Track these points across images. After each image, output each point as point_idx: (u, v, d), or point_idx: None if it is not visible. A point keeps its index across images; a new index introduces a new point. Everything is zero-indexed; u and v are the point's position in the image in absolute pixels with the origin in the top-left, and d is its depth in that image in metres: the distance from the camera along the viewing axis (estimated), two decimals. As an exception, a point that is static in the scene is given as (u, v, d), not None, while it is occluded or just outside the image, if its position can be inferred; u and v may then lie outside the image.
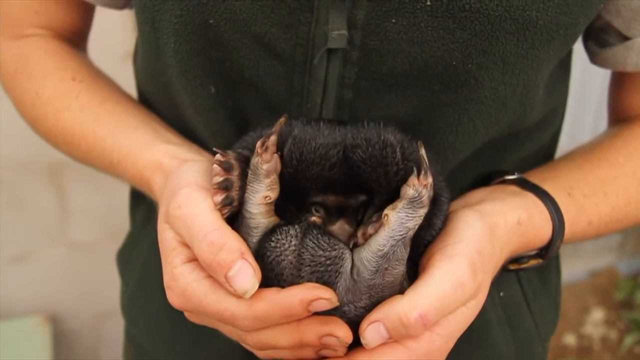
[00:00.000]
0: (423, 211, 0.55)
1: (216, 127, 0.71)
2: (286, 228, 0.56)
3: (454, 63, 0.63)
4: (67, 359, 1.98)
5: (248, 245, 0.56)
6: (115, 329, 0.95)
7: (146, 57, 0.76)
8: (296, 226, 0.56)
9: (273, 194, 0.57)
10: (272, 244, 0.56)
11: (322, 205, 0.58)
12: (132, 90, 0.87)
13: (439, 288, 0.55)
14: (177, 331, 0.83)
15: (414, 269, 0.59)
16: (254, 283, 0.53)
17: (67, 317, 1.97)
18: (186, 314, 0.62)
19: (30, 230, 1.84)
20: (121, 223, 0.97)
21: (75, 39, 0.86)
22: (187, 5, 0.64)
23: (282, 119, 0.56)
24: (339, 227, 0.58)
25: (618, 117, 0.85)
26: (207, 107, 0.70)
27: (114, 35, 1.42)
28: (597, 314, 2.52)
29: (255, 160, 0.56)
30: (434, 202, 0.59)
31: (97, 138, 0.75)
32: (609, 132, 0.84)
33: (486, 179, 0.76)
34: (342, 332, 0.55)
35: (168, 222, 0.59)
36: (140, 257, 0.90)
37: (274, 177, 0.56)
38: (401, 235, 0.54)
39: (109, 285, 0.97)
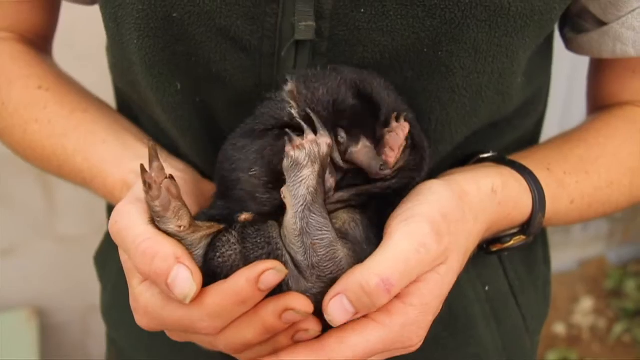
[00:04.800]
0: (308, 171, 0.54)
1: (184, 125, 0.70)
2: (225, 238, 0.56)
3: (425, 50, 0.62)
4: (54, 352, 1.97)
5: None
6: (102, 322, 0.95)
7: (114, 54, 0.75)
8: (232, 232, 0.56)
9: (184, 221, 0.55)
10: (220, 260, 0.55)
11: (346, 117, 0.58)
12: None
13: (399, 250, 0.52)
14: (156, 336, 0.80)
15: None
16: (192, 286, 0.51)
17: (55, 311, 1.96)
18: (167, 333, 0.60)
19: (17, 224, 1.82)
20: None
21: (40, 41, 0.84)
22: None
23: (151, 145, 0.56)
24: (363, 146, 0.56)
25: (597, 106, 0.83)
26: (174, 105, 0.69)
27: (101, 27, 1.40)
28: (587, 303, 2.53)
29: (146, 198, 0.55)
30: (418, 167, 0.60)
31: (67, 154, 0.73)
32: (588, 118, 0.83)
33: (463, 163, 0.73)
34: (299, 302, 0.52)
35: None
36: (116, 260, 0.87)
37: (176, 203, 0.55)
38: (300, 204, 0.54)
39: (96, 279, 0.96)
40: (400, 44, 0.61)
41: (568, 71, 1.99)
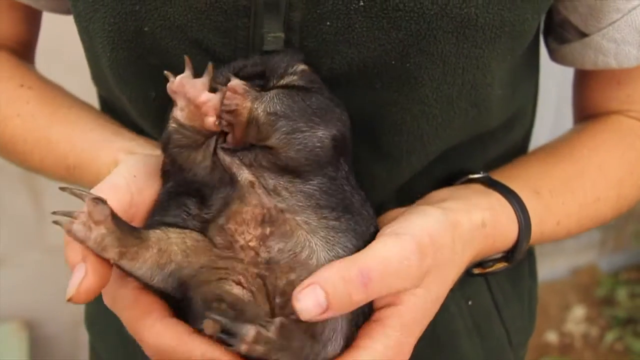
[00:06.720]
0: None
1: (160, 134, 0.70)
2: None
3: (393, 62, 0.62)
4: (44, 364, 1.96)
5: None
6: (91, 334, 0.96)
7: (91, 65, 0.75)
8: None
9: (110, 253, 0.51)
10: None
11: None
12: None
13: (383, 251, 0.51)
14: (139, 348, 0.81)
15: None
16: (72, 290, 0.50)
17: (44, 323, 1.95)
18: None
19: (6, 235, 1.82)
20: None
21: (22, 49, 0.84)
22: (119, 13, 0.63)
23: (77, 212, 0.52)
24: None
25: (583, 116, 0.83)
26: (149, 113, 0.69)
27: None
28: (579, 311, 2.53)
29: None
30: None
31: (50, 144, 0.73)
32: (574, 128, 0.83)
33: (450, 180, 0.73)
34: None
35: None
36: None
37: (97, 233, 0.50)
38: None
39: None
40: (366, 55, 0.61)
41: (559, 82, 2.00)
